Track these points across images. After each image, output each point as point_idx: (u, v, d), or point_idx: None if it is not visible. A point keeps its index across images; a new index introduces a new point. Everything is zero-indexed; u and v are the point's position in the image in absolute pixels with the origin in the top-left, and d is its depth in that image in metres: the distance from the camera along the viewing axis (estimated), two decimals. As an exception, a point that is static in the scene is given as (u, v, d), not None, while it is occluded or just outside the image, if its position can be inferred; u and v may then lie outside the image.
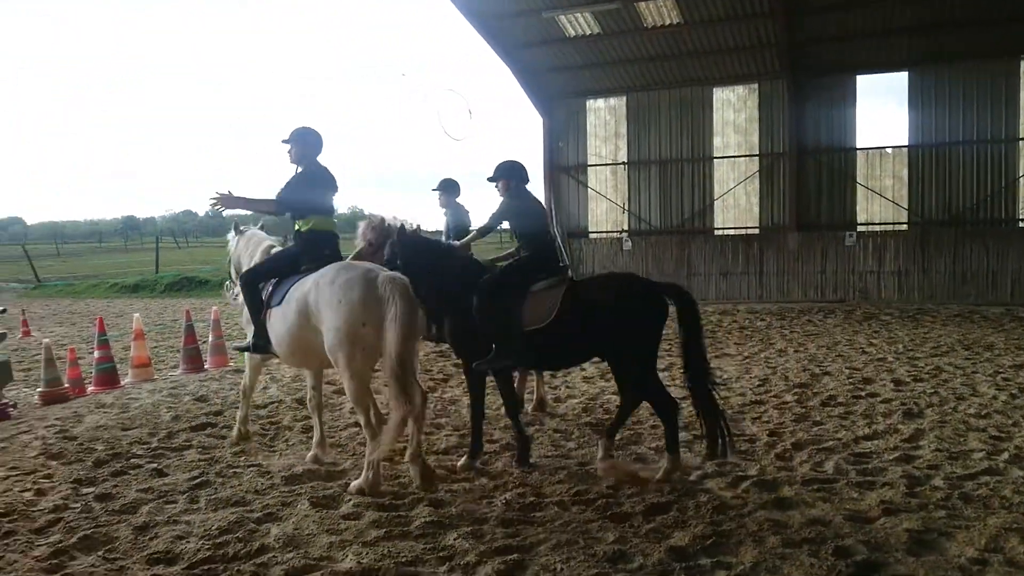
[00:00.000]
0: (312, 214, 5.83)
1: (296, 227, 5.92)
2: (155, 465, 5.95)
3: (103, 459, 6.14)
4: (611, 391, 8.31)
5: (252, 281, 5.89)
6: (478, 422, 5.81)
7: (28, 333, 15.21)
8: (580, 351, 5.61)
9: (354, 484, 5.21)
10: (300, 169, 5.92)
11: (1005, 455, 5.64)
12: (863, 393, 7.90)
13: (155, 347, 12.39)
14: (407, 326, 5.01)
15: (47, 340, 9.38)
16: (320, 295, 5.21)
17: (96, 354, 9.50)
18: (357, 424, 7.01)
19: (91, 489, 5.41)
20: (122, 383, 9.47)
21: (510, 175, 6.01)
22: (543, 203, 6.23)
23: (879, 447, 5.96)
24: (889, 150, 17.28)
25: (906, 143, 17.05)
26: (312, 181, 5.86)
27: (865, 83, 17.32)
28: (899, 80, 17.05)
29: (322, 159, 5.97)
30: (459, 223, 8.57)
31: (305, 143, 5.91)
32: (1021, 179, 16.14)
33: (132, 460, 6.12)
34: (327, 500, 5.04)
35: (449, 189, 8.85)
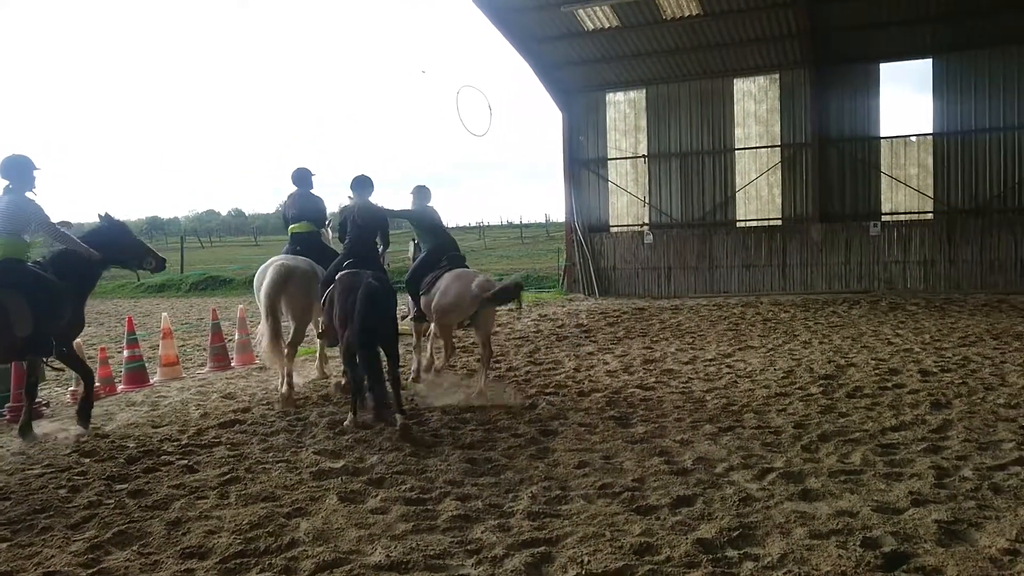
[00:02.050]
0: (292, 223, 8.93)
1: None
2: (185, 462, 6.04)
3: (135, 456, 6.25)
4: (634, 385, 8.31)
5: None
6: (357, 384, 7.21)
7: (58, 333, 15.44)
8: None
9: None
10: (292, 192, 9.09)
11: (1036, 445, 5.57)
12: (890, 384, 7.84)
13: (182, 346, 12.55)
14: (293, 298, 7.97)
15: (78, 340, 9.51)
16: (261, 274, 8.30)
17: (125, 353, 9.65)
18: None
19: (124, 485, 5.51)
20: (151, 381, 9.62)
21: (352, 186, 7.67)
22: (382, 209, 7.84)
23: (907, 438, 5.92)
24: (913, 138, 17.08)
25: (931, 131, 16.86)
26: (298, 200, 9.01)
27: (888, 70, 17.13)
28: (923, 67, 16.84)
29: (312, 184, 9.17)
30: (419, 220, 8.64)
31: (299, 178, 9.09)
32: (1050, 166, 15.93)
33: (163, 457, 6.22)
34: (354, 495, 5.08)
35: (419, 194, 8.69)
